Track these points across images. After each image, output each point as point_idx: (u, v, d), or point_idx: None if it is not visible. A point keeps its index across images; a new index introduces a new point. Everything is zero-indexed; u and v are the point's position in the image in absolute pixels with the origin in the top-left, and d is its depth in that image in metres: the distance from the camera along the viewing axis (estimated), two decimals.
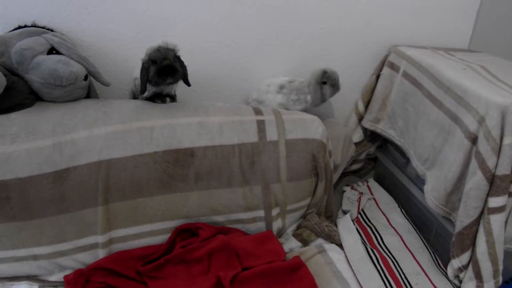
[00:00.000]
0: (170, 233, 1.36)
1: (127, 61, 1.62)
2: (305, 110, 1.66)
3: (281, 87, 1.66)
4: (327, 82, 1.66)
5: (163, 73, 1.34)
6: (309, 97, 1.65)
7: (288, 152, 1.44)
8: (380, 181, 1.98)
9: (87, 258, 1.30)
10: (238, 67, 1.76)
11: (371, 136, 1.99)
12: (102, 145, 1.29)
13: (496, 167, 1.27)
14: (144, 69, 1.35)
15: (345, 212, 1.72)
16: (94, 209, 1.28)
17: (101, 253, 1.30)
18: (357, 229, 1.56)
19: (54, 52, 1.35)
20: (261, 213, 1.43)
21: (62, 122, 1.29)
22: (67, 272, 1.28)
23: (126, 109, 1.38)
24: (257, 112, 1.49)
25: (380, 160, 2.02)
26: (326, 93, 1.68)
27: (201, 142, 1.37)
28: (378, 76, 1.86)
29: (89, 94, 1.46)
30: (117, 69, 1.62)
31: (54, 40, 1.36)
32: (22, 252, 1.26)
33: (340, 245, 1.47)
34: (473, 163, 1.31)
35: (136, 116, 1.36)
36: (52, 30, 1.46)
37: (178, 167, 1.34)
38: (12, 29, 1.42)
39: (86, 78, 1.37)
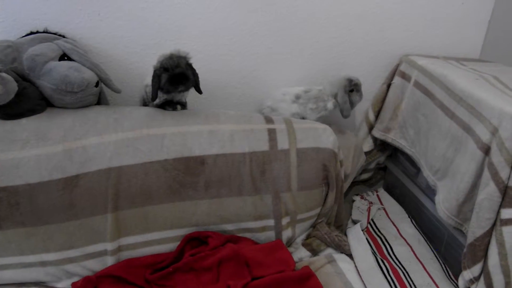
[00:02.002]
0: (179, 241, 1.35)
1: (138, 68, 1.62)
2: (325, 118, 1.67)
3: (297, 97, 1.66)
4: (354, 89, 1.69)
5: (175, 80, 1.34)
6: (329, 105, 1.66)
7: (299, 161, 1.43)
8: (390, 190, 1.97)
9: (95, 265, 1.30)
10: (249, 75, 1.76)
11: (381, 146, 1.97)
12: (112, 152, 1.29)
13: (509, 178, 1.26)
14: (156, 76, 1.35)
15: (355, 222, 1.71)
16: (104, 216, 1.28)
17: (109, 261, 1.30)
18: (367, 239, 1.55)
19: (66, 58, 1.36)
20: (271, 222, 1.42)
21: (72, 128, 1.30)
22: (75, 279, 1.28)
23: (137, 116, 1.38)
24: (268, 120, 1.48)
25: (390, 169, 2.01)
26: (356, 100, 1.71)
27: (212, 150, 1.36)
28: (389, 86, 1.85)
29: (100, 100, 1.47)
30: (128, 76, 1.63)
31: (66, 47, 1.36)
32: (30, 258, 1.26)
33: (350, 255, 1.46)
34: (486, 174, 1.30)
35: (147, 123, 1.36)
36: (64, 36, 1.47)
37: (188, 175, 1.34)
38: (24, 35, 1.43)
39: (97, 84, 1.37)
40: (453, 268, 1.51)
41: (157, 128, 1.35)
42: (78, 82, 1.30)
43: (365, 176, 2.00)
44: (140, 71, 1.62)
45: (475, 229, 1.33)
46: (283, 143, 1.43)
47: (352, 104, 1.69)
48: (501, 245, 1.28)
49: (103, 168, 1.27)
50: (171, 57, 1.34)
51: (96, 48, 1.55)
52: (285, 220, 1.44)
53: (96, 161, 1.27)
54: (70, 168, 1.25)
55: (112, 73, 1.57)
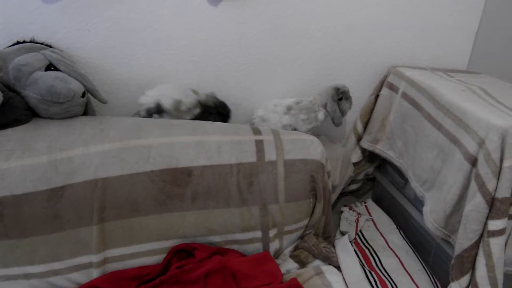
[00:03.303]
0: (166, 253, 1.33)
1: (126, 79, 1.61)
2: (316, 129, 1.67)
3: (289, 109, 1.65)
4: (342, 97, 1.69)
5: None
6: (320, 115, 1.67)
7: (286, 172, 1.42)
8: (378, 201, 1.97)
9: (80, 278, 1.28)
10: (238, 86, 1.75)
11: (370, 157, 1.98)
12: (98, 163, 1.27)
13: (496, 190, 1.27)
14: None
15: (343, 233, 1.71)
16: (89, 228, 1.26)
17: (95, 273, 1.28)
18: (355, 250, 1.55)
19: (52, 68, 1.35)
20: (258, 234, 1.41)
21: (58, 139, 1.28)
22: None
23: (124, 126, 1.37)
24: (256, 132, 1.47)
25: (378, 180, 2.01)
26: (345, 107, 1.71)
27: (199, 162, 1.36)
28: (377, 97, 1.86)
29: (87, 111, 1.45)
30: (115, 86, 1.62)
31: (52, 57, 1.35)
32: (14, 271, 1.23)
33: (338, 267, 1.45)
34: (473, 185, 1.30)
35: (134, 134, 1.35)
36: (51, 46, 1.46)
37: (175, 186, 1.33)
38: (10, 44, 1.41)
39: (83, 95, 1.36)
40: (441, 280, 1.51)
41: (143, 139, 1.34)
42: (64, 92, 1.29)
43: (353, 187, 2.01)
44: (128, 82, 1.61)
45: (462, 241, 1.34)
46: (270, 154, 1.42)
47: (343, 112, 1.70)
48: (488, 256, 1.29)
49: (89, 179, 1.26)
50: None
51: (83, 58, 1.54)
52: (272, 232, 1.43)
53: (82, 172, 1.26)
54: (55, 179, 1.24)
55: (99, 83, 1.56)
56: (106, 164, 1.28)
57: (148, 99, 1.50)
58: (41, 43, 1.45)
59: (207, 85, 1.70)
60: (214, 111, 1.60)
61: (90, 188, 1.26)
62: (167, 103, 1.50)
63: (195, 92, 1.60)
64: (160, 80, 1.64)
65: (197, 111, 1.56)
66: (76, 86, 1.33)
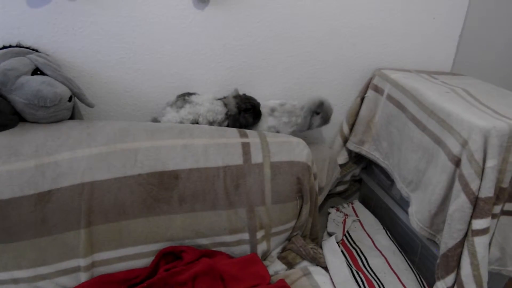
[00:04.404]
0: (153, 256, 1.34)
1: (113, 82, 1.61)
2: (294, 133, 1.67)
3: (273, 110, 1.66)
4: (320, 113, 1.68)
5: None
6: (299, 120, 1.67)
7: (273, 174, 1.43)
8: (365, 202, 1.99)
9: (68, 282, 1.28)
10: (223, 90, 1.76)
11: (356, 158, 1.99)
12: (85, 167, 1.28)
13: (479, 189, 1.28)
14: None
15: (330, 234, 1.72)
16: (77, 232, 1.26)
17: (83, 277, 1.28)
18: (342, 251, 1.56)
19: (39, 72, 1.34)
20: (245, 236, 1.42)
21: (45, 143, 1.28)
22: None
23: (111, 130, 1.37)
24: (242, 134, 1.48)
25: (365, 181, 2.03)
26: (315, 123, 1.69)
27: (186, 165, 1.36)
28: (362, 99, 1.87)
29: (74, 115, 1.45)
30: (102, 90, 1.61)
31: (38, 61, 1.35)
32: (2, 276, 1.23)
33: (326, 268, 1.46)
34: (457, 185, 1.32)
35: (121, 138, 1.35)
36: (37, 51, 1.46)
37: (162, 189, 1.33)
38: None
39: (70, 99, 1.36)
40: (427, 279, 1.52)
41: (130, 142, 1.35)
42: (51, 96, 1.28)
43: (340, 188, 2.02)
44: (115, 85, 1.61)
45: (447, 240, 1.35)
46: (257, 157, 1.43)
47: (311, 125, 1.69)
48: (473, 255, 1.30)
49: (76, 184, 1.26)
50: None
51: (70, 62, 1.54)
52: (260, 234, 1.44)
53: (69, 177, 1.26)
54: (42, 183, 1.24)
55: (86, 87, 1.56)
56: (93, 168, 1.28)
57: (187, 115, 1.55)
58: (28, 48, 1.45)
59: (191, 88, 1.70)
60: (240, 115, 1.63)
61: (77, 192, 1.26)
62: (202, 123, 1.57)
63: (224, 99, 1.65)
64: (147, 84, 1.64)
65: (225, 124, 1.63)
66: (63, 90, 1.33)
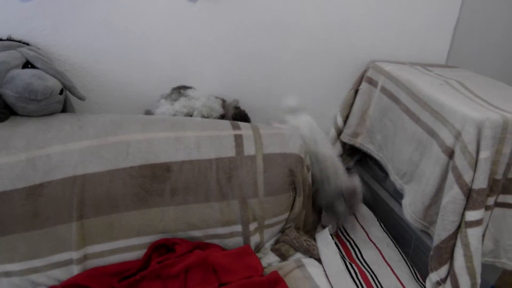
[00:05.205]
0: (146, 248, 1.34)
1: (104, 75, 1.61)
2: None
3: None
4: (346, 200, 1.57)
5: None
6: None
7: (265, 166, 1.43)
8: None
9: (61, 275, 1.27)
10: (216, 83, 1.76)
11: (350, 151, 1.99)
12: (77, 160, 1.27)
13: (472, 181, 1.29)
14: None
15: (324, 227, 1.72)
16: (69, 225, 1.26)
17: (75, 270, 1.27)
18: (336, 243, 1.55)
19: (30, 66, 1.34)
20: (238, 228, 1.42)
21: (36, 136, 1.27)
22: None
23: (102, 123, 1.36)
24: (235, 126, 1.48)
25: (359, 174, 2.02)
26: (337, 207, 1.58)
27: (178, 157, 1.36)
28: (356, 91, 1.87)
29: (65, 108, 1.45)
30: (94, 83, 1.61)
31: (29, 54, 1.35)
32: None
33: (319, 260, 1.46)
34: (450, 177, 1.32)
35: (112, 130, 1.35)
36: (28, 44, 1.45)
37: (154, 182, 1.33)
38: None
39: (61, 92, 1.36)
40: (421, 271, 1.52)
41: (122, 135, 1.34)
42: (42, 89, 1.28)
43: None
44: (106, 78, 1.61)
45: (440, 232, 1.35)
46: (249, 149, 1.43)
47: (332, 206, 1.58)
48: (466, 247, 1.31)
49: (68, 177, 1.25)
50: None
51: (61, 55, 1.53)
52: (252, 226, 1.43)
53: (61, 170, 1.25)
54: (33, 177, 1.23)
55: (78, 80, 1.56)
56: (85, 161, 1.28)
57: (181, 108, 1.54)
58: (18, 41, 1.44)
59: (186, 81, 1.70)
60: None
61: (69, 185, 1.25)
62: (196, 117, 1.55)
63: (223, 101, 1.64)
64: (139, 77, 1.64)
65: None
66: (54, 83, 1.32)
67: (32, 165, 1.23)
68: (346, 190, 1.52)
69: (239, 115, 1.65)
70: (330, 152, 1.55)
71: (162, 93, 1.62)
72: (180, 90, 1.59)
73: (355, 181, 1.55)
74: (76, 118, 1.37)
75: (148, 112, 1.57)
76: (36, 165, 1.24)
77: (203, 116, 1.56)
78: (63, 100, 1.40)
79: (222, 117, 1.61)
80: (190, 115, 1.54)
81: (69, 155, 1.27)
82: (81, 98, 1.42)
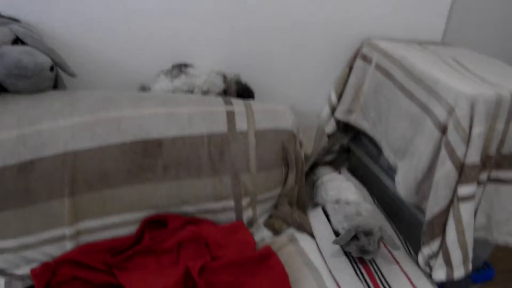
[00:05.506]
0: (139, 224, 1.34)
1: (97, 53, 1.60)
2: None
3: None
4: (360, 241, 1.35)
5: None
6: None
7: (257, 142, 1.43)
8: (354, 172, 1.98)
9: (54, 251, 1.28)
10: (209, 60, 1.74)
11: (344, 128, 1.99)
12: (68, 136, 1.27)
13: (465, 156, 1.29)
14: None
15: (316, 204, 1.72)
16: (61, 201, 1.26)
17: (68, 245, 1.28)
18: (328, 217, 1.56)
19: (19, 42, 1.33)
20: (231, 203, 1.42)
21: (27, 113, 1.27)
22: (34, 265, 1.25)
23: (94, 100, 1.36)
24: (227, 102, 1.48)
25: (353, 151, 2.03)
26: (350, 245, 1.37)
27: (170, 133, 1.35)
28: (351, 68, 1.86)
29: (57, 86, 1.44)
30: (86, 60, 1.60)
31: (19, 31, 1.33)
32: None
33: (312, 235, 1.47)
34: (443, 152, 1.33)
35: (104, 106, 1.34)
36: (18, 21, 1.44)
37: (146, 157, 1.33)
38: None
39: (52, 69, 1.34)
40: (413, 246, 1.53)
41: (114, 111, 1.33)
42: (32, 66, 1.27)
43: (329, 157, 2.02)
44: (98, 55, 1.60)
45: (433, 207, 1.36)
46: (241, 124, 1.43)
47: (345, 242, 1.36)
48: (458, 221, 1.31)
49: (59, 153, 1.25)
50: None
51: (52, 33, 1.52)
52: (245, 201, 1.44)
53: (52, 146, 1.25)
54: (24, 153, 1.23)
55: (70, 58, 1.53)
56: (76, 137, 1.27)
57: (182, 86, 1.53)
58: (8, 18, 1.43)
59: (181, 57, 1.69)
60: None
61: (60, 161, 1.25)
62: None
63: (224, 77, 1.63)
64: (133, 54, 1.63)
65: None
66: (44, 60, 1.31)
67: (23, 142, 1.23)
68: (360, 228, 1.37)
69: (242, 90, 1.64)
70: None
71: (161, 68, 1.61)
72: (181, 68, 1.57)
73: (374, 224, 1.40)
74: (67, 95, 1.36)
75: (143, 87, 1.56)
76: (27, 141, 1.23)
77: (204, 92, 1.55)
78: (54, 77, 1.39)
79: (225, 92, 1.61)
80: (190, 93, 1.53)
81: (60, 131, 1.27)
82: (72, 74, 1.41)
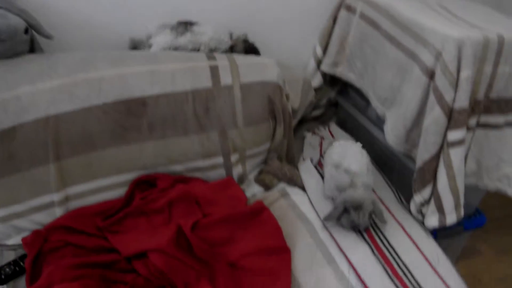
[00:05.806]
0: (128, 186, 1.33)
1: (74, 13, 1.53)
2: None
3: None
4: (351, 214, 1.31)
5: None
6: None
7: (243, 96, 1.41)
8: (342, 125, 1.97)
9: (44, 218, 1.26)
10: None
11: (331, 81, 1.97)
12: (48, 100, 1.23)
13: (454, 101, 1.29)
14: None
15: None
16: (46, 167, 1.23)
17: (58, 212, 1.26)
18: (318, 171, 1.55)
19: None
20: (219, 159, 1.41)
21: (4, 78, 1.22)
22: (25, 234, 1.24)
23: (72, 61, 1.32)
24: (210, 57, 1.44)
25: (341, 104, 2.01)
26: (343, 219, 1.32)
27: (153, 91, 1.32)
28: (335, 19, 1.82)
29: (33, 50, 1.39)
30: (63, 21, 1.53)
31: None
32: None
33: (303, 188, 1.47)
34: (431, 98, 1.32)
35: (83, 68, 1.30)
36: None
37: (130, 117, 1.30)
38: None
39: (26, 31, 1.29)
40: (405, 195, 1.54)
41: (93, 72, 1.29)
42: (5, 29, 1.21)
43: (316, 112, 2.00)
44: (74, 16, 1.54)
45: (423, 154, 1.37)
46: (226, 79, 1.40)
47: (338, 217, 1.33)
48: (449, 166, 1.32)
49: (40, 117, 1.22)
50: None
51: None
52: (234, 157, 1.43)
53: (32, 111, 1.21)
54: (5, 120, 1.19)
55: (44, 19, 1.48)
56: (57, 101, 1.24)
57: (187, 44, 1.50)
58: None
59: (178, 15, 1.63)
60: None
61: (42, 126, 1.22)
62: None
63: (230, 35, 1.61)
64: (111, 15, 1.57)
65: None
66: (17, 22, 1.26)
67: (3, 108, 1.19)
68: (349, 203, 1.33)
69: (249, 49, 1.62)
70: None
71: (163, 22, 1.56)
72: (187, 25, 1.53)
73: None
74: (44, 58, 1.32)
75: (133, 41, 1.52)
76: (7, 107, 1.20)
77: (211, 50, 1.53)
78: (29, 40, 1.34)
79: (231, 48, 1.58)
80: (196, 50, 1.50)
81: (40, 95, 1.23)
82: (48, 36, 1.35)
